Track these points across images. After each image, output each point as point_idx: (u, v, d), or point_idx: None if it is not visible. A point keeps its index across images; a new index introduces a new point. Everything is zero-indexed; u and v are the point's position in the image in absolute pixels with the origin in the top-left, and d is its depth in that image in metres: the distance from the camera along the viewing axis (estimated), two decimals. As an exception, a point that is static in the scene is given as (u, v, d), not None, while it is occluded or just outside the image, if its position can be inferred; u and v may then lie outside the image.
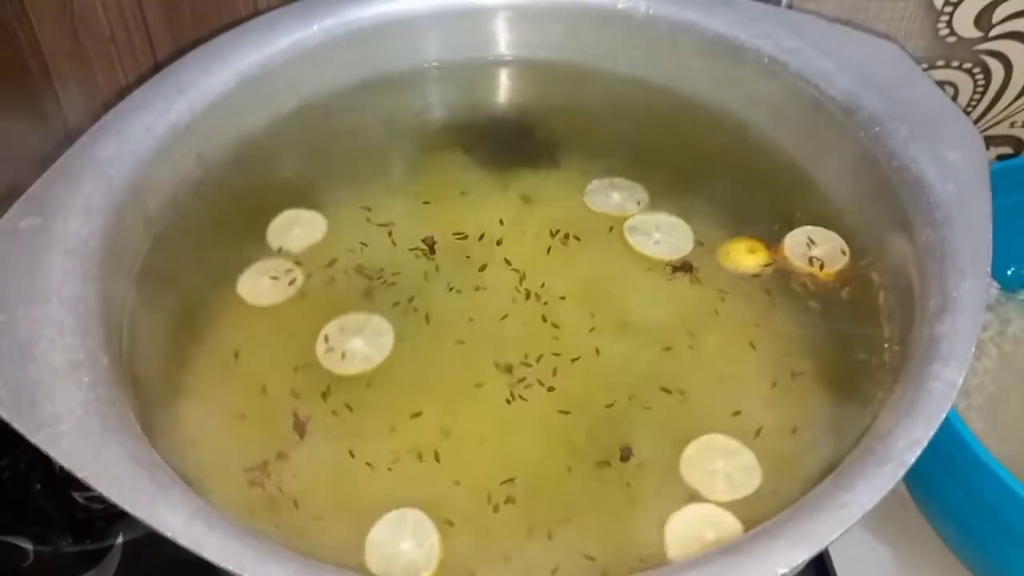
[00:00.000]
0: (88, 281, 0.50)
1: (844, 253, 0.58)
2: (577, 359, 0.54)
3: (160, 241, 0.58)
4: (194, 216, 0.60)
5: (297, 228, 0.61)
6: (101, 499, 0.41)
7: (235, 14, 0.74)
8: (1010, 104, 0.83)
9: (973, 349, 0.44)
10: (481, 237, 0.60)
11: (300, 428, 0.51)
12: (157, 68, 0.76)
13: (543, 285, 0.57)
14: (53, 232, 0.50)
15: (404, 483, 0.49)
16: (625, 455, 0.49)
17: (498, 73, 0.71)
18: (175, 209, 0.60)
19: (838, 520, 0.39)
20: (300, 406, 0.51)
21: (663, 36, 0.67)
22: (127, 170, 0.55)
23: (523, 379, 0.53)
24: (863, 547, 0.65)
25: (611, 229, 0.61)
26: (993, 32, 0.77)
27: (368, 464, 0.49)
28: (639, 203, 0.62)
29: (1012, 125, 0.85)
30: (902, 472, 0.40)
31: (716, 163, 0.65)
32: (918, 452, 0.41)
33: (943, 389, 0.43)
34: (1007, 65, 0.79)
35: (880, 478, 0.40)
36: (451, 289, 0.57)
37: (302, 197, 0.62)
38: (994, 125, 0.85)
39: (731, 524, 0.46)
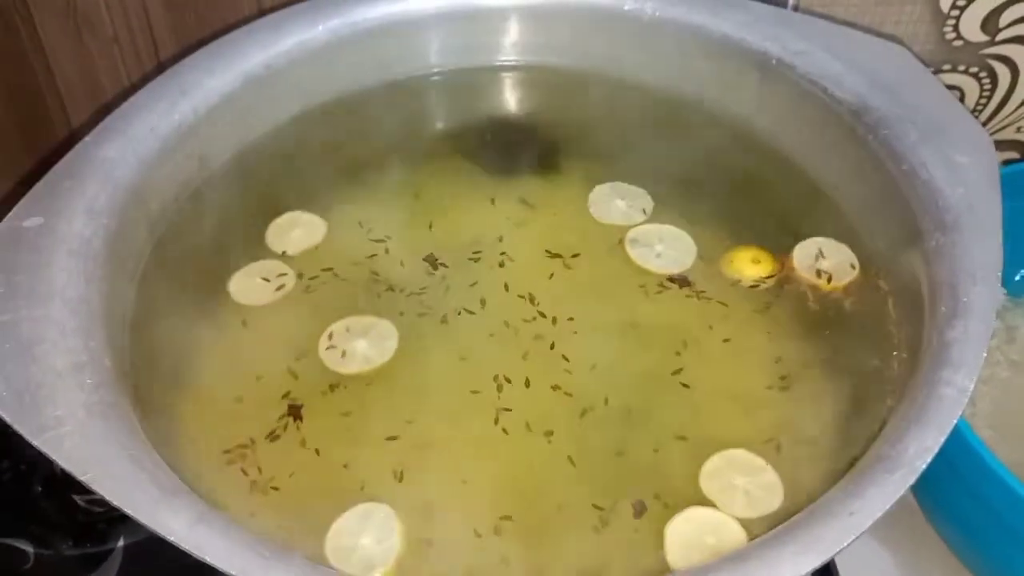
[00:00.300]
0: (91, 282, 0.49)
1: (854, 267, 0.57)
2: (580, 376, 0.53)
3: (162, 242, 0.58)
4: (196, 217, 0.60)
5: (297, 230, 0.61)
6: (102, 502, 0.40)
7: (239, 15, 0.74)
8: (1016, 109, 0.82)
9: (984, 355, 0.44)
10: (483, 248, 0.60)
11: (295, 412, 0.51)
12: (160, 69, 0.76)
13: (543, 301, 0.57)
14: (57, 233, 0.50)
15: (382, 483, 0.49)
16: (639, 509, 0.48)
17: (503, 77, 0.71)
18: (177, 210, 0.59)
19: (847, 527, 0.39)
20: (294, 397, 0.52)
21: (669, 39, 0.66)
22: (131, 171, 0.55)
23: (522, 396, 0.52)
24: (868, 553, 0.64)
25: (619, 241, 0.60)
26: (1000, 36, 0.77)
27: (347, 461, 0.50)
28: (644, 211, 0.62)
29: (1018, 130, 0.84)
30: (912, 479, 0.40)
31: (722, 168, 0.64)
32: (929, 459, 0.40)
33: (954, 396, 0.43)
34: (1013, 69, 0.79)
35: (890, 485, 0.40)
36: (449, 300, 0.57)
37: (304, 200, 0.62)
38: (1000, 130, 0.84)
39: (733, 529, 0.46)
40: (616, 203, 0.62)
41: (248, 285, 0.58)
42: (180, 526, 0.39)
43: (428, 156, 0.67)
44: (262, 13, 0.71)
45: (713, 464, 0.49)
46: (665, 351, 0.54)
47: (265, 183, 0.63)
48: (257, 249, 0.60)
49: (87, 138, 0.55)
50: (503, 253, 0.60)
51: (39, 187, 0.52)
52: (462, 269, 0.59)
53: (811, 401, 0.52)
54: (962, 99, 0.81)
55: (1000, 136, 0.85)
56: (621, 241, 0.60)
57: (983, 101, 0.82)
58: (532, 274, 0.58)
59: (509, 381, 0.53)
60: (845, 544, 0.38)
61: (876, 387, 0.50)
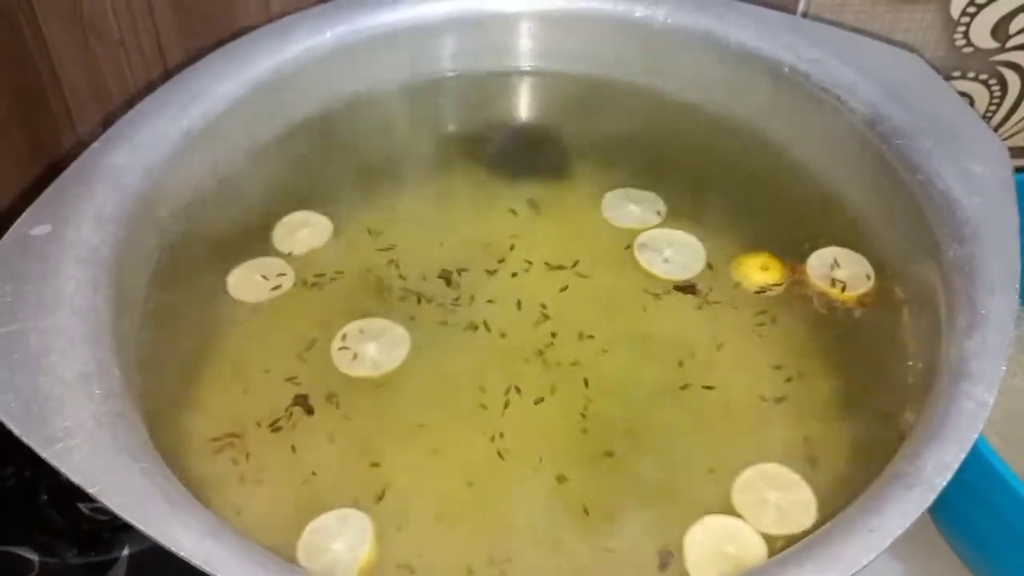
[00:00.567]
0: (99, 290, 0.49)
1: (869, 278, 0.57)
2: (591, 392, 0.52)
3: (171, 249, 0.58)
4: (205, 223, 0.60)
5: (304, 230, 0.61)
6: (107, 511, 0.40)
7: (246, 19, 0.73)
8: (1026, 116, 0.82)
9: (1004, 367, 0.43)
10: (492, 255, 0.59)
11: (304, 405, 0.51)
12: (167, 72, 0.76)
13: (555, 312, 0.56)
14: (65, 240, 0.50)
15: (369, 490, 0.48)
16: (664, 561, 0.46)
17: (513, 83, 0.71)
18: (187, 216, 0.59)
19: (867, 546, 0.38)
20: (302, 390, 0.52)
21: (680, 45, 0.66)
22: (139, 177, 0.55)
23: (530, 416, 0.51)
24: (878, 563, 0.64)
25: (627, 247, 0.60)
26: (1010, 43, 0.76)
27: (338, 467, 0.49)
28: (659, 213, 0.61)
29: (1028, 137, 0.84)
30: (932, 497, 0.39)
31: (734, 176, 0.64)
32: (949, 476, 0.40)
33: (974, 409, 0.42)
34: (1023, 76, 0.79)
35: (910, 502, 0.39)
36: (457, 308, 0.56)
37: (312, 202, 0.62)
38: (1010, 137, 0.84)
39: (749, 536, 0.46)
40: (630, 207, 0.62)
41: (246, 281, 0.58)
42: (190, 540, 0.39)
43: (437, 161, 0.66)
44: (270, 17, 0.71)
45: (747, 477, 0.48)
46: (673, 364, 0.53)
47: (274, 186, 0.63)
48: (263, 247, 0.60)
49: (95, 144, 0.55)
50: (513, 260, 0.59)
51: (47, 194, 0.52)
52: (471, 276, 0.58)
53: (826, 413, 0.51)
54: (971, 106, 0.81)
55: (1010, 143, 0.84)
56: (629, 247, 0.59)
57: (992, 108, 0.82)
58: (545, 283, 0.58)
59: (519, 391, 0.52)
60: (865, 563, 0.38)
61: (892, 400, 0.49)
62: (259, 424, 0.51)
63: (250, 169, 0.63)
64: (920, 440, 0.42)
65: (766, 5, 0.67)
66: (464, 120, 0.71)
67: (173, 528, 0.39)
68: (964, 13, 0.74)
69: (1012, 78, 0.79)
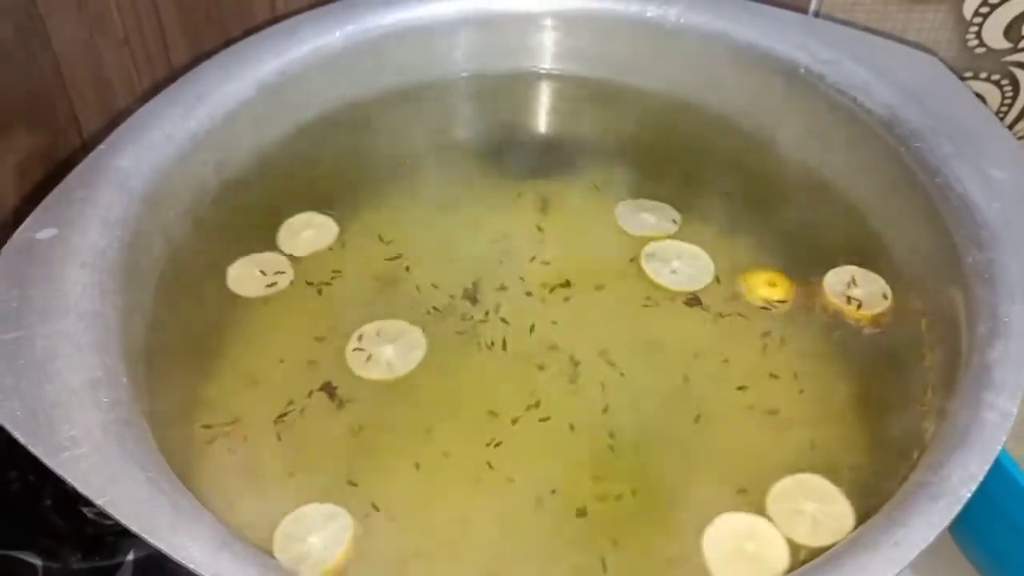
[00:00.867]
0: (106, 295, 0.48)
1: (886, 297, 0.56)
2: (601, 409, 0.52)
3: (177, 251, 0.57)
4: (211, 225, 0.59)
5: (309, 231, 0.60)
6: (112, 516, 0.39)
7: (252, 18, 0.73)
8: (1038, 117, 0.82)
9: (1026, 375, 0.43)
10: (501, 261, 0.59)
11: (331, 392, 0.51)
12: (172, 72, 0.75)
13: (563, 321, 0.55)
14: (70, 244, 0.49)
15: (364, 492, 0.48)
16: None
17: (523, 85, 0.70)
18: (193, 219, 0.59)
19: (892, 559, 0.37)
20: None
21: (693, 46, 0.66)
22: (146, 180, 0.54)
23: (538, 432, 0.50)
24: (892, 572, 0.63)
25: (631, 259, 0.59)
26: (1023, 44, 0.76)
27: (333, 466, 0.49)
28: (674, 221, 0.61)
29: (1040, 139, 0.84)
30: (958, 508, 0.39)
31: (748, 183, 0.63)
32: (974, 487, 0.39)
33: (997, 420, 0.42)
34: (1035, 77, 0.79)
35: (935, 514, 0.39)
36: (462, 314, 0.56)
37: (318, 204, 0.61)
38: (1021, 138, 0.84)
39: (771, 535, 0.45)
40: (643, 216, 0.61)
41: (244, 275, 0.58)
42: (201, 553, 0.38)
43: (445, 163, 0.66)
44: (275, 16, 0.71)
45: (783, 486, 0.47)
46: (680, 379, 0.53)
47: (280, 188, 0.63)
48: (267, 247, 0.59)
49: (101, 146, 0.54)
50: (526, 269, 0.58)
51: (52, 197, 0.51)
52: (481, 283, 0.57)
53: (843, 424, 0.51)
54: (983, 107, 0.81)
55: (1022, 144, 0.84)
56: (634, 259, 0.59)
57: (1004, 109, 0.82)
58: (556, 294, 0.57)
59: (538, 406, 0.51)
60: (890, 576, 0.37)
61: (910, 412, 0.49)
62: (262, 419, 0.51)
63: (257, 170, 0.63)
64: (943, 451, 0.41)
65: (778, 5, 0.67)
66: (473, 122, 0.71)
67: (184, 540, 0.38)
68: (977, 13, 0.74)
69: (1024, 79, 0.79)
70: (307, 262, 0.59)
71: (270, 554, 0.44)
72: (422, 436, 0.50)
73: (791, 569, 0.44)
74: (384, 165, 0.65)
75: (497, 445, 0.49)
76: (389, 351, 0.53)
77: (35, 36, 0.71)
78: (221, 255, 0.58)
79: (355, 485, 0.48)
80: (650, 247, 0.59)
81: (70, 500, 0.65)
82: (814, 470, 0.48)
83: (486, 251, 0.60)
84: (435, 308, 0.56)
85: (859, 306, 0.55)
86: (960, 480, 0.40)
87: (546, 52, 0.70)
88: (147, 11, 0.72)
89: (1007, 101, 0.81)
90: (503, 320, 0.55)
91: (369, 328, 0.54)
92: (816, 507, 0.46)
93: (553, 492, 0.48)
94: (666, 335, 0.55)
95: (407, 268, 0.58)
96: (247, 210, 0.61)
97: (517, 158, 0.67)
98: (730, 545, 0.45)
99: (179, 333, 0.54)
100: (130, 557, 0.63)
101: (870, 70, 0.60)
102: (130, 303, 0.50)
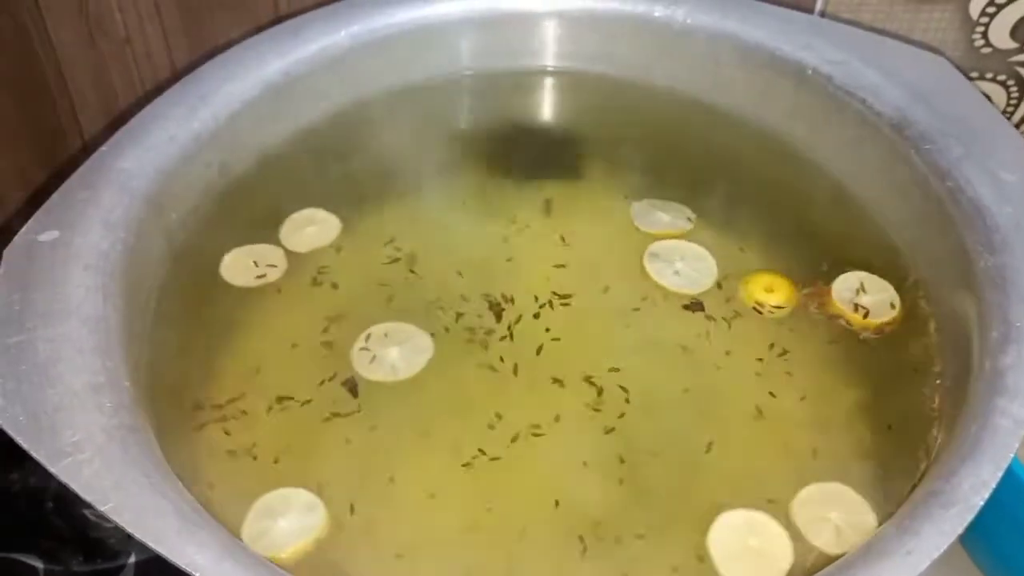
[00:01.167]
0: (109, 298, 0.48)
1: (894, 307, 0.55)
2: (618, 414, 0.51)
3: (180, 252, 0.57)
4: (215, 226, 0.59)
5: (311, 227, 0.60)
6: (113, 519, 0.39)
7: (255, 18, 0.73)
8: (1045, 118, 0.82)
9: (1040, 382, 0.42)
10: (508, 265, 0.58)
11: (352, 388, 0.51)
12: (173, 71, 0.75)
13: (569, 335, 0.55)
14: (73, 246, 0.49)
15: (358, 492, 0.48)
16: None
17: (528, 84, 0.70)
18: (196, 220, 0.58)
19: (904, 568, 0.37)
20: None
21: (700, 47, 0.65)
22: (148, 181, 0.54)
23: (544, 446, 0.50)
24: None
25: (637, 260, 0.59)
26: (1030, 44, 0.76)
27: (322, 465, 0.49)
28: (689, 219, 0.60)
29: (1046, 139, 0.83)
30: (970, 516, 0.38)
31: (756, 184, 0.63)
32: (986, 494, 0.39)
33: (1010, 427, 0.41)
34: (1041, 78, 0.78)
35: (947, 523, 0.38)
36: (473, 326, 0.55)
37: (324, 205, 0.61)
38: (1028, 138, 0.83)
39: (776, 532, 0.45)
40: (658, 215, 0.61)
41: (236, 263, 0.58)
42: (205, 560, 0.38)
43: (451, 162, 0.66)
44: (278, 16, 0.70)
45: (808, 493, 0.47)
46: (681, 388, 0.52)
47: (284, 189, 0.62)
48: (268, 240, 0.59)
49: (103, 147, 0.54)
50: (533, 274, 0.58)
51: (54, 199, 0.51)
52: (483, 285, 0.57)
53: (853, 431, 0.50)
54: (989, 108, 0.80)
55: (1029, 145, 0.84)
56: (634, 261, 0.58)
57: (1010, 109, 0.81)
58: (565, 300, 0.56)
59: (541, 433, 0.50)
60: (902, 586, 0.37)
61: (920, 419, 0.48)
62: (261, 408, 0.51)
63: (261, 170, 0.62)
64: (955, 458, 0.41)
65: (784, 5, 0.66)
66: (478, 123, 0.70)
67: (189, 547, 0.38)
68: (983, 13, 0.74)
69: (1031, 79, 0.78)
70: (308, 258, 0.58)
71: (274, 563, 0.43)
72: (414, 443, 0.50)
73: (795, 561, 0.44)
74: (389, 165, 0.65)
75: (494, 460, 0.49)
76: (395, 353, 0.53)
77: (35, 36, 0.71)
78: (223, 254, 0.58)
79: (334, 485, 0.47)
80: (654, 246, 0.59)
81: (72, 503, 0.64)
82: (819, 480, 0.47)
83: (491, 253, 0.59)
84: (439, 310, 0.55)
85: (866, 315, 0.55)
86: (972, 487, 0.39)
87: (551, 51, 0.69)
88: (148, 11, 0.72)
89: (1012, 101, 0.80)
90: (510, 332, 0.55)
91: (377, 329, 0.54)
92: (841, 516, 0.46)
93: (536, 524, 0.47)
94: (670, 339, 0.54)
95: (412, 270, 0.58)
96: (251, 210, 0.61)
97: (524, 157, 0.66)
98: (734, 543, 0.45)
99: (181, 333, 0.54)
100: (132, 560, 0.63)
101: (878, 71, 0.60)
102: (133, 305, 0.50)
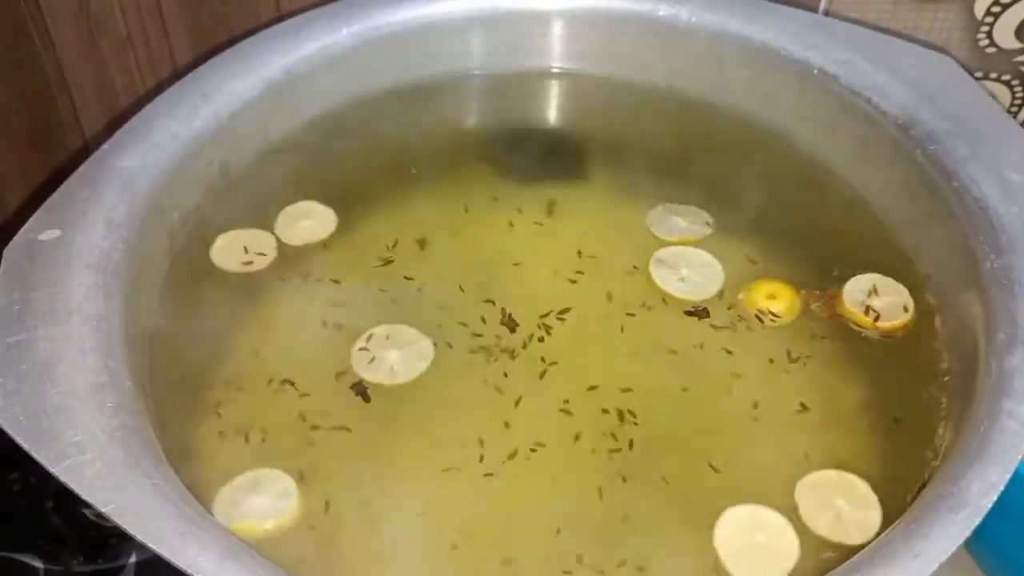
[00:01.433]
0: (110, 297, 0.48)
1: (906, 310, 0.54)
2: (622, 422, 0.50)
3: (181, 251, 0.57)
4: (215, 225, 0.59)
5: (307, 220, 0.60)
6: (114, 519, 0.39)
7: (256, 17, 0.73)
8: (1049, 118, 0.82)
9: (1050, 384, 0.42)
10: (515, 269, 0.58)
11: (362, 393, 0.51)
12: (174, 70, 0.75)
13: (574, 349, 0.54)
14: (74, 245, 0.49)
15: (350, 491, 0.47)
16: None
17: (531, 84, 0.70)
18: (197, 218, 0.58)
19: (912, 571, 0.37)
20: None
21: (705, 46, 0.65)
22: (150, 179, 0.54)
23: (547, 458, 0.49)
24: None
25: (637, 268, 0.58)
26: (1034, 44, 0.76)
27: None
28: (708, 224, 0.60)
29: (1051, 140, 0.83)
30: (978, 519, 0.38)
31: (759, 183, 0.63)
32: (994, 497, 0.38)
33: (1017, 428, 0.41)
34: (1046, 78, 0.78)
35: (955, 526, 0.38)
36: (471, 328, 0.55)
37: (325, 202, 0.61)
38: (1033, 138, 0.83)
39: (776, 522, 0.45)
40: (675, 220, 0.60)
41: (227, 246, 0.58)
42: (208, 563, 0.37)
43: (452, 164, 0.65)
44: (280, 15, 0.70)
45: (824, 476, 0.47)
46: (683, 393, 0.52)
47: (285, 187, 0.62)
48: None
49: (105, 146, 0.54)
50: (539, 277, 0.58)
51: (55, 198, 0.51)
52: (487, 290, 0.56)
53: (856, 432, 0.50)
54: (994, 108, 0.80)
55: (1033, 146, 0.84)
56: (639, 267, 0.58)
57: (1014, 109, 0.81)
58: (571, 311, 0.56)
59: (543, 446, 0.49)
60: (910, 589, 0.37)
61: (927, 420, 0.48)
62: (259, 407, 0.51)
63: (262, 168, 0.62)
64: (963, 460, 0.41)
65: (788, 4, 0.66)
66: (480, 123, 0.70)
67: (191, 549, 0.38)
68: (988, 13, 0.74)
69: (1035, 79, 0.78)
70: (300, 251, 0.58)
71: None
72: (407, 447, 0.49)
73: (801, 555, 0.44)
74: (391, 164, 0.64)
75: (487, 476, 0.48)
76: (394, 356, 0.53)
77: (36, 35, 0.71)
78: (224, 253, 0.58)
79: (318, 480, 0.47)
80: (660, 252, 0.58)
81: (72, 502, 0.64)
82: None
83: (495, 257, 0.59)
84: (441, 311, 0.55)
85: (876, 318, 0.54)
86: (980, 490, 0.39)
87: (556, 51, 0.69)
88: (150, 10, 0.72)
89: (1017, 101, 0.80)
90: (513, 342, 0.54)
91: (379, 330, 0.54)
92: (847, 507, 0.46)
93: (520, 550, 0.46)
94: (674, 345, 0.54)
95: (411, 274, 0.57)
96: (252, 209, 0.60)
97: (528, 158, 0.66)
98: (740, 540, 0.45)
99: (181, 328, 0.53)
100: (132, 560, 0.63)
101: (884, 71, 0.59)
102: (134, 305, 0.49)
